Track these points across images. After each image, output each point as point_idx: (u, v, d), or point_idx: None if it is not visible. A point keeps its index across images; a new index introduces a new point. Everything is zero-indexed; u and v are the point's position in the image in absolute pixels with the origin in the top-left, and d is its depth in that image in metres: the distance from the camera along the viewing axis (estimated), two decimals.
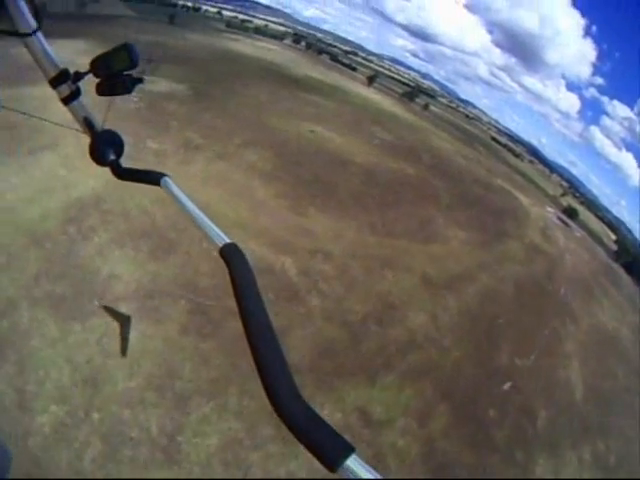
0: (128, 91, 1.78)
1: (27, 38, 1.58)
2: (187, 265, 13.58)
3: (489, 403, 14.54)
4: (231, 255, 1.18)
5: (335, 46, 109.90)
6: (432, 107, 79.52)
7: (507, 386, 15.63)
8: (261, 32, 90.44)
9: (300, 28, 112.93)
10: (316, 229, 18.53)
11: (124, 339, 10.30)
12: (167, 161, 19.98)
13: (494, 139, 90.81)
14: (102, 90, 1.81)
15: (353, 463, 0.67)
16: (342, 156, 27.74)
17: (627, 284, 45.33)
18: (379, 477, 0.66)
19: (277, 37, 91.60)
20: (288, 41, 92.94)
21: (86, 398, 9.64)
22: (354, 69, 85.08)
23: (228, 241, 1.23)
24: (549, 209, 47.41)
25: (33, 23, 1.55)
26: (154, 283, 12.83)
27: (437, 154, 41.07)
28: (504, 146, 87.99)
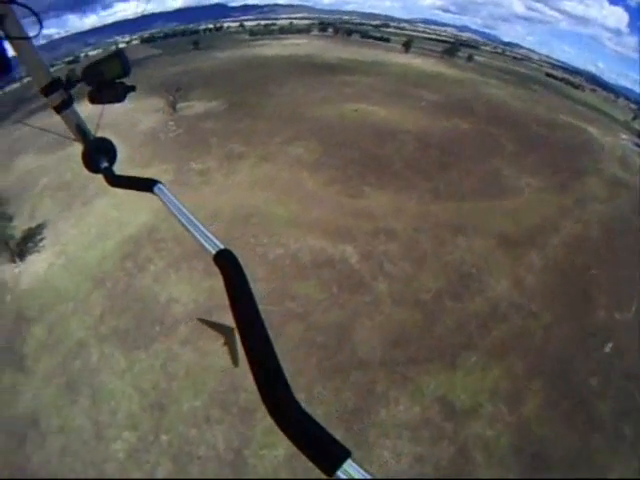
0: (120, 99, 1.84)
1: (20, 43, 1.59)
2: None
3: (589, 371, 12.57)
4: (225, 262, 1.14)
5: (364, 24, 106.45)
6: (476, 57, 74.79)
7: (608, 347, 13.44)
8: (286, 30, 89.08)
9: (325, 16, 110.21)
10: (374, 208, 17.38)
11: (232, 351, 10.94)
12: (212, 177, 20.19)
13: (549, 75, 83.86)
14: (94, 98, 1.84)
15: (349, 467, 0.69)
16: (390, 127, 26.23)
17: None
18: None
19: (303, 31, 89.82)
20: (315, 32, 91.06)
21: (155, 422, 10.50)
22: (387, 40, 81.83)
23: (222, 247, 1.19)
24: (623, 136, 42.47)
25: (25, 31, 1.54)
26: (211, 299, 13.26)
27: (491, 103, 38.22)
28: (561, 80, 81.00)
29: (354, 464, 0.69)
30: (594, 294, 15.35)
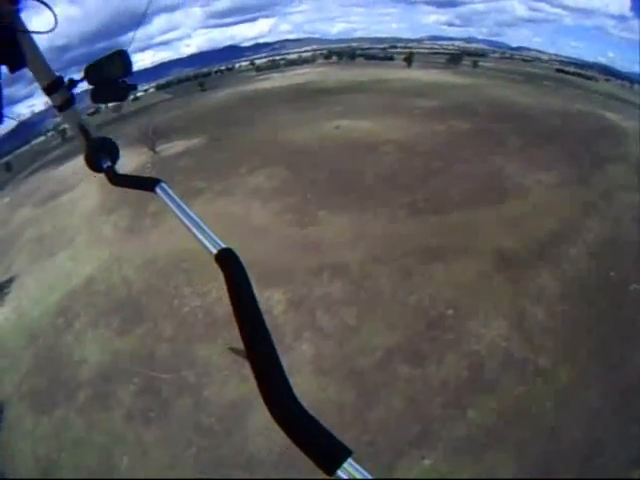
0: (123, 98, 1.81)
1: (25, 35, 1.51)
2: (150, 334, 12.05)
3: (628, 462, 7.32)
4: (227, 261, 1.06)
5: (372, 48, 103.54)
6: (484, 63, 70.17)
7: None
8: (292, 63, 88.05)
9: (333, 46, 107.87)
10: (327, 237, 13.22)
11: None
12: (163, 219, 17.27)
13: (560, 70, 77.74)
14: (96, 97, 1.80)
15: (350, 466, 0.65)
16: (372, 140, 22.24)
17: None
18: None
19: (309, 61, 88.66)
20: (320, 60, 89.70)
21: None
22: (391, 59, 79.08)
23: (224, 246, 1.11)
24: None
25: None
26: (114, 362, 11.68)
27: (497, 102, 33.66)
28: (573, 74, 74.66)
29: (355, 463, 0.63)
30: (637, 324, 10.25)
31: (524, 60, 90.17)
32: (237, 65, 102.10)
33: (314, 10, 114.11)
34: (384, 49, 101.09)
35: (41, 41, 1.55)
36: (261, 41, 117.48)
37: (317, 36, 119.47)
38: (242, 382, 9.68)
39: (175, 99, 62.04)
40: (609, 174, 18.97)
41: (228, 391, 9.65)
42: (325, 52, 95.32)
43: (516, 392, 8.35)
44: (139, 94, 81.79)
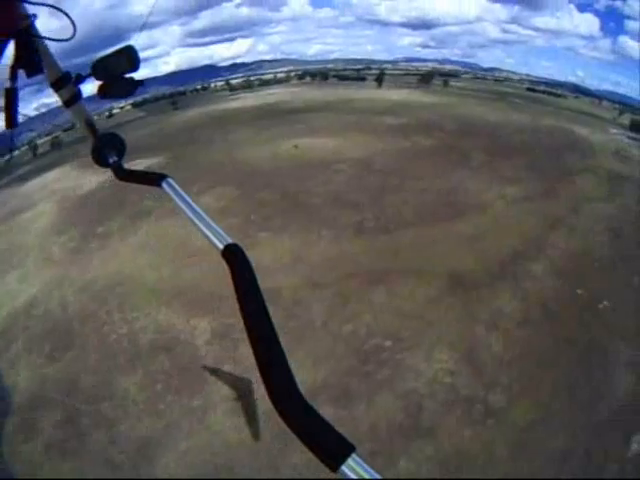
0: (129, 93, 1.93)
1: (38, 40, 1.61)
2: (78, 361, 10.87)
3: None
4: (233, 256, 1.16)
5: (346, 69, 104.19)
6: (455, 83, 70.50)
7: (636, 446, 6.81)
8: (266, 83, 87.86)
9: (309, 67, 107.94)
10: (264, 260, 12.06)
11: (251, 417, 8.24)
12: (109, 241, 16.68)
13: (530, 89, 79.08)
14: (104, 93, 1.91)
15: (354, 462, 0.67)
16: (330, 158, 21.48)
17: None
18: (378, 477, 0.65)
19: (282, 81, 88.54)
20: (294, 80, 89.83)
21: None
22: (363, 79, 79.26)
23: (230, 242, 1.21)
24: (613, 130, 36.88)
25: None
26: (41, 389, 10.48)
27: (464, 120, 33.10)
28: (542, 92, 75.96)
29: (359, 459, 0.64)
30: (607, 344, 9.21)
31: (496, 80, 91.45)
32: (213, 84, 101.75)
33: (292, 31, 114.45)
34: (358, 70, 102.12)
35: None
36: (238, 61, 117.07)
37: (294, 57, 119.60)
38: (157, 418, 8.77)
39: (148, 117, 59.95)
40: (579, 186, 18.44)
41: (142, 427, 8.71)
42: (300, 73, 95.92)
43: (460, 436, 7.19)
44: (114, 111, 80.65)
